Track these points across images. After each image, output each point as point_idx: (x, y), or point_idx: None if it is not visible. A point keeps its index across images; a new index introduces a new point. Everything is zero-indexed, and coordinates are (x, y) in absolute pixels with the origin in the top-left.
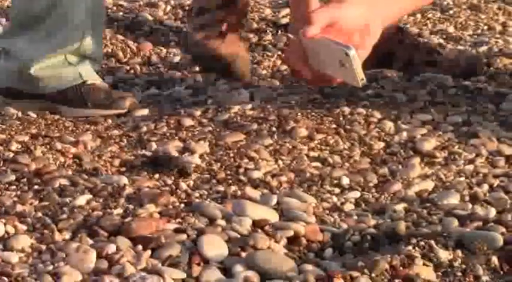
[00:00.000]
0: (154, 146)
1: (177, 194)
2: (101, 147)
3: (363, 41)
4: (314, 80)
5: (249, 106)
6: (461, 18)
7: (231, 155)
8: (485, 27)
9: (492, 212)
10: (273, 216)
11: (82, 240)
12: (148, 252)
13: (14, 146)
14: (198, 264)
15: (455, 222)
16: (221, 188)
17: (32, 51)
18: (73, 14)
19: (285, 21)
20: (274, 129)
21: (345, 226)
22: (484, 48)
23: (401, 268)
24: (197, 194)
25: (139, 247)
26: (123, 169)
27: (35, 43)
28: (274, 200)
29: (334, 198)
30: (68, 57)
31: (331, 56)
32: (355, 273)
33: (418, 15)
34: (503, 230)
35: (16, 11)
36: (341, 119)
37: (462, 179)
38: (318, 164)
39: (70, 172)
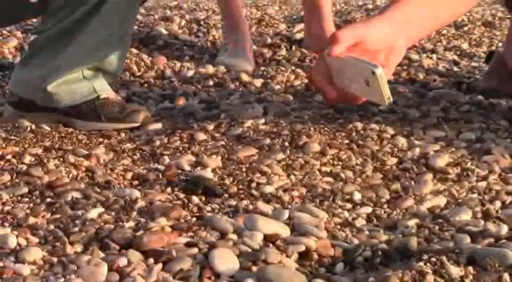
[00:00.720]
0: (167, 159)
1: (189, 207)
2: (114, 160)
3: (387, 61)
4: (339, 98)
5: (262, 121)
6: (475, 35)
7: (243, 169)
8: (500, 44)
9: (504, 229)
10: (285, 231)
11: (93, 253)
12: (160, 265)
13: (27, 159)
14: (209, 278)
15: (467, 239)
16: (233, 203)
17: (52, 67)
18: (98, 31)
19: (299, 36)
20: (286, 144)
21: (356, 241)
22: None
23: None
24: (209, 208)
25: (151, 260)
26: (136, 182)
27: (56, 59)
28: (286, 214)
29: (346, 214)
30: (84, 72)
31: (357, 75)
32: None
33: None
34: None
35: (46, 25)
36: (354, 134)
37: (475, 195)
38: (330, 179)
39: (82, 185)
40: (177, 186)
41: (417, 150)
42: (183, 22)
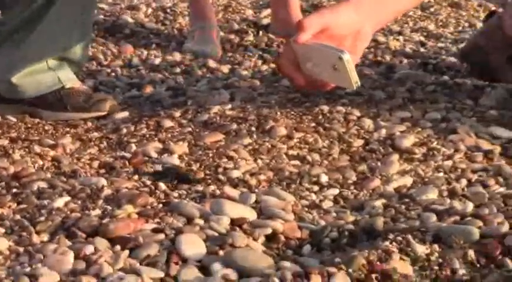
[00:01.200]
0: (133, 147)
1: (156, 194)
2: (80, 149)
3: (354, 46)
4: (307, 85)
5: (229, 106)
6: (442, 15)
7: (210, 155)
8: (466, 24)
9: (470, 207)
10: (251, 215)
11: (60, 241)
12: (127, 252)
13: None
14: (176, 264)
15: (433, 217)
16: (200, 188)
17: (15, 58)
18: (61, 20)
19: (266, 21)
20: (253, 128)
21: (323, 223)
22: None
23: (378, 263)
24: (176, 194)
25: (118, 247)
26: (102, 171)
27: (19, 50)
28: (253, 198)
29: (313, 196)
30: (49, 62)
31: (324, 61)
32: (332, 269)
33: None
34: (481, 224)
35: (6, 16)
36: (320, 117)
37: (441, 174)
38: (297, 162)
39: (49, 175)
40: (145, 174)
41: (383, 132)
42: (150, 10)
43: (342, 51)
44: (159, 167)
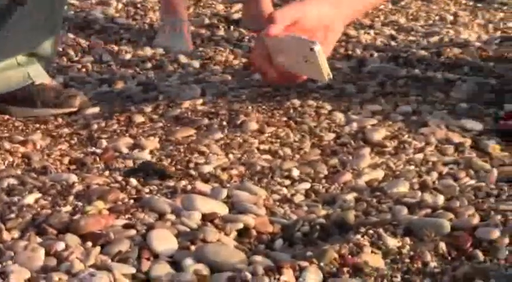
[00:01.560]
0: (104, 143)
1: (127, 190)
2: (51, 145)
3: (326, 39)
4: (279, 79)
5: (200, 101)
6: (412, 9)
7: (182, 150)
8: (437, 18)
9: (441, 199)
10: (223, 210)
11: (30, 238)
12: (98, 248)
13: None
14: (148, 259)
15: (405, 210)
16: (171, 183)
17: None
18: (31, 16)
19: (237, 16)
20: (224, 123)
21: (295, 217)
22: (435, 38)
23: (349, 256)
24: (147, 190)
25: (89, 244)
26: (73, 167)
27: None
28: (224, 193)
29: (285, 190)
30: (18, 58)
31: (296, 53)
32: (303, 263)
33: None
34: (452, 216)
35: None
36: (291, 111)
37: (412, 167)
38: (269, 157)
39: (19, 171)
40: (117, 171)
41: (354, 125)
42: (120, 5)
43: (313, 42)
44: (130, 163)
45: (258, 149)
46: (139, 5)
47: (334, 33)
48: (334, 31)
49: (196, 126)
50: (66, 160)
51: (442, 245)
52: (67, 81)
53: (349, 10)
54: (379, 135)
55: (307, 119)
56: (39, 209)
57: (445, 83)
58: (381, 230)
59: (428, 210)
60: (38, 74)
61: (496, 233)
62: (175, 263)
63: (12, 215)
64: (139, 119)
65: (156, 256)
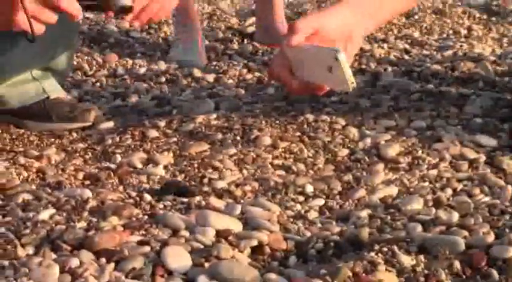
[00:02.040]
0: (118, 158)
1: (141, 206)
2: (65, 160)
3: (345, 49)
4: (301, 90)
5: (214, 116)
6: (426, 23)
7: (195, 165)
8: (451, 32)
9: (455, 216)
10: (237, 226)
11: (45, 254)
12: (112, 265)
13: None
14: (162, 276)
15: (419, 227)
16: (185, 199)
17: (1, 68)
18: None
19: (251, 30)
20: (238, 138)
21: (308, 234)
22: (449, 52)
23: (364, 274)
24: (161, 206)
25: (103, 260)
26: (87, 182)
27: (4, 61)
28: (238, 209)
29: (298, 206)
30: (33, 73)
31: (318, 63)
32: (317, 281)
33: None
34: (466, 234)
35: None
36: (305, 126)
37: (426, 184)
38: (282, 172)
39: (33, 186)
40: (130, 186)
41: (368, 141)
42: None
43: (337, 50)
44: (144, 178)
45: (271, 164)
46: None
47: (355, 44)
48: (353, 42)
49: (210, 141)
50: (80, 175)
51: (457, 263)
52: (82, 95)
53: (368, 21)
54: (393, 151)
55: (321, 134)
56: (53, 225)
57: (459, 98)
58: (395, 248)
59: (443, 228)
60: (53, 88)
61: (511, 252)
62: (189, 280)
63: (27, 231)
64: (153, 133)
65: (170, 273)
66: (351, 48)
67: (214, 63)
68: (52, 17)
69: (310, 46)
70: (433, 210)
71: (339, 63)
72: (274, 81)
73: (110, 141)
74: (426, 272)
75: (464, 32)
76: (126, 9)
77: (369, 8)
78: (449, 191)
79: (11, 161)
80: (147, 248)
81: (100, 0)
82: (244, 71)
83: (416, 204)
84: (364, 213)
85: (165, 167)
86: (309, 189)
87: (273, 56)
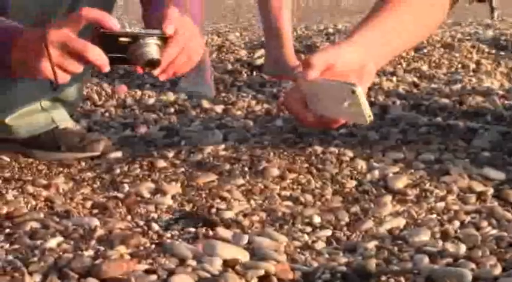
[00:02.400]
0: (126, 187)
1: (149, 235)
2: (73, 189)
3: (359, 82)
4: (316, 123)
5: (222, 146)
6: (435, 56)
7: (203, 195)
8: (459, 66)
9: (462, 249)
10: (244, 256)
11: None
12: None
13: None
14: None
15: (426, 259)
16: (192, 229)
17: (10, 101)
18: None
19: (259, 62)
20: (246, 169)
21: (315, 264)
22: (457, 86)
23: None
24: (169, 235)
25: None
26: (95, 211)
27: (14, 93)
28: (245, 239)
29: (306, 237)
30: (43, 103)
31: (335, 97)
32: None
33: None
34: (473, 266)
35: None
36: (313, 158)
37: (433, 216)
38: (290, 203)
39: (41, 215)
40: (138, 215)
41: (376, 173)
42: None
43: (354, 84)
44: (152, 208)
45: (279, 195)
46: None
47: (367, 78)
48: (367, 76)
49: (218, 172)
50: (88, 204)
51: None
52: (91, 125)
53: (381, 55)
54: (401, 183)
55: (329, 166)
56: (61, 253)
57: (467, 132)
58: (402, 279)
59: (450, 260)
60: (62, 118)
61: None
62: None
63: (35, 259)
64: (161, 163)
65: None
66: (365, 82)
67: (223, 94)
68: (78, 68)
69: (326, 80)
70: (441, 242)
71: (356, 97)
72: (288, 114)
73: (118, 171)
74: None
75: (473, 66)
76: (154, 63)
77: (381, 42)
78: (456, 223)
79: (20, 190)
80: (154, 277)
81: (128, 54)
82: (253, 102)
83: (424, 236)
84: (372, 245)
85: (173, 197)
86: (317, 220)
87: (287, 89)
